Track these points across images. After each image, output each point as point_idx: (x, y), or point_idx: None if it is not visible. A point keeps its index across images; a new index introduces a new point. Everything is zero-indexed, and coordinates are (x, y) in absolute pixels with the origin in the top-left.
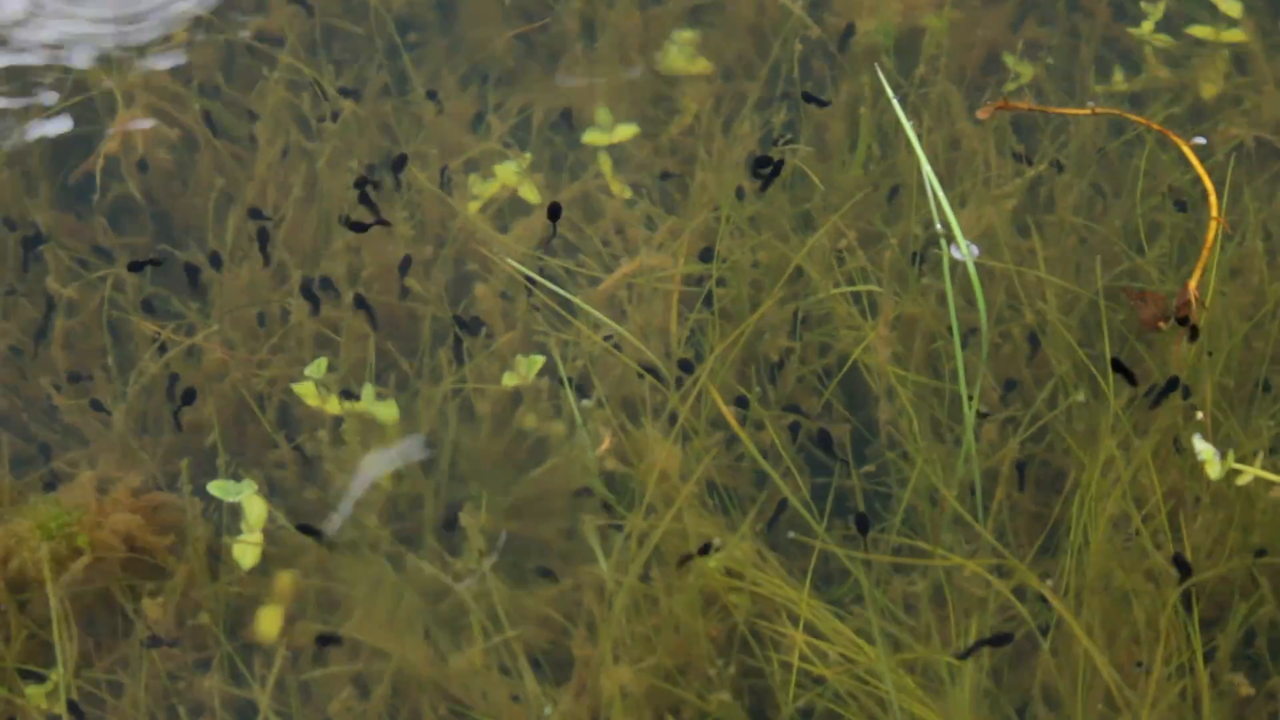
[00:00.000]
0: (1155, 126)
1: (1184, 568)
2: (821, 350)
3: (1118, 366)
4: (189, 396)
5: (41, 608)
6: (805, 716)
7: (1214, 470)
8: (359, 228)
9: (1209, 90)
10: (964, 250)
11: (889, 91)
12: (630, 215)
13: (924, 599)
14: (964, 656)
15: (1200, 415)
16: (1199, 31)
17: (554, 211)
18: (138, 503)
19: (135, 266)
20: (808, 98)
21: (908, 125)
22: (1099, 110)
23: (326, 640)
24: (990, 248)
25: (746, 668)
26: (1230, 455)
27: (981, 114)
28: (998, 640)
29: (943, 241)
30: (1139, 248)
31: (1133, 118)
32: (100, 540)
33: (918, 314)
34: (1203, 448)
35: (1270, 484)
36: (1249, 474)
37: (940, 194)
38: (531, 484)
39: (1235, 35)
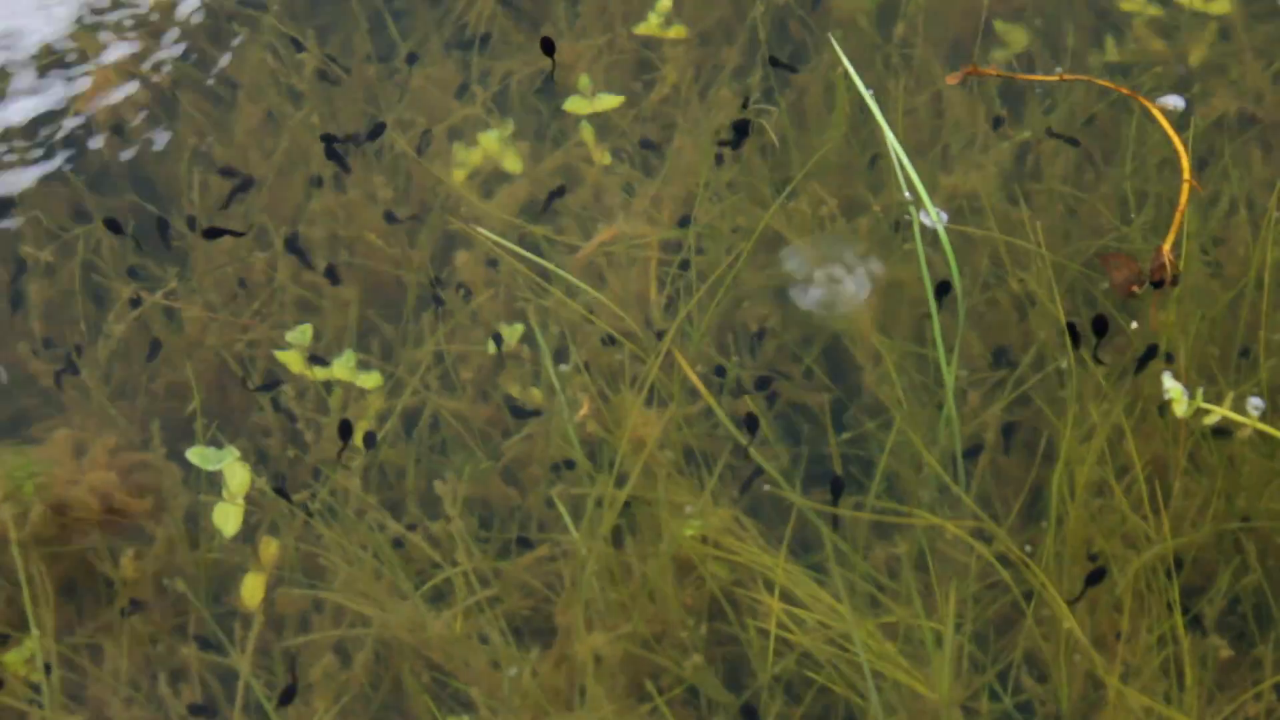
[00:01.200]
0: (1126, 91)
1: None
2: (802, 319)
3: (1095, 322)
4: (154, 350)
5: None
6: (783, 683)
7: (1180, 408)
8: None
9: (1195, 58)
10: (934, 217)
11: (845, 62)
12: (609, 181)
13: (905, 564)
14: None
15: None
16: (1186, 1)
17: (547, 46)
18: (114, 461)
19: (112, 224)
20: (775, 62)
21: (867, 94)
22: (1067, 77)
23: (288, 697)
24: (975, 213)
25: (724, 635)
26: (1199, 394)
27: (950, 79)
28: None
29: (911, 209)
30: (1125, 217)
31: (1103, 83)
32: (77, 499)
33: (902, 279)
34: (1171, 385)
35: (1256, 446)
36: (1216, 414)
37: (905, 161)
38: (512, 450)
39: (1221, 6)
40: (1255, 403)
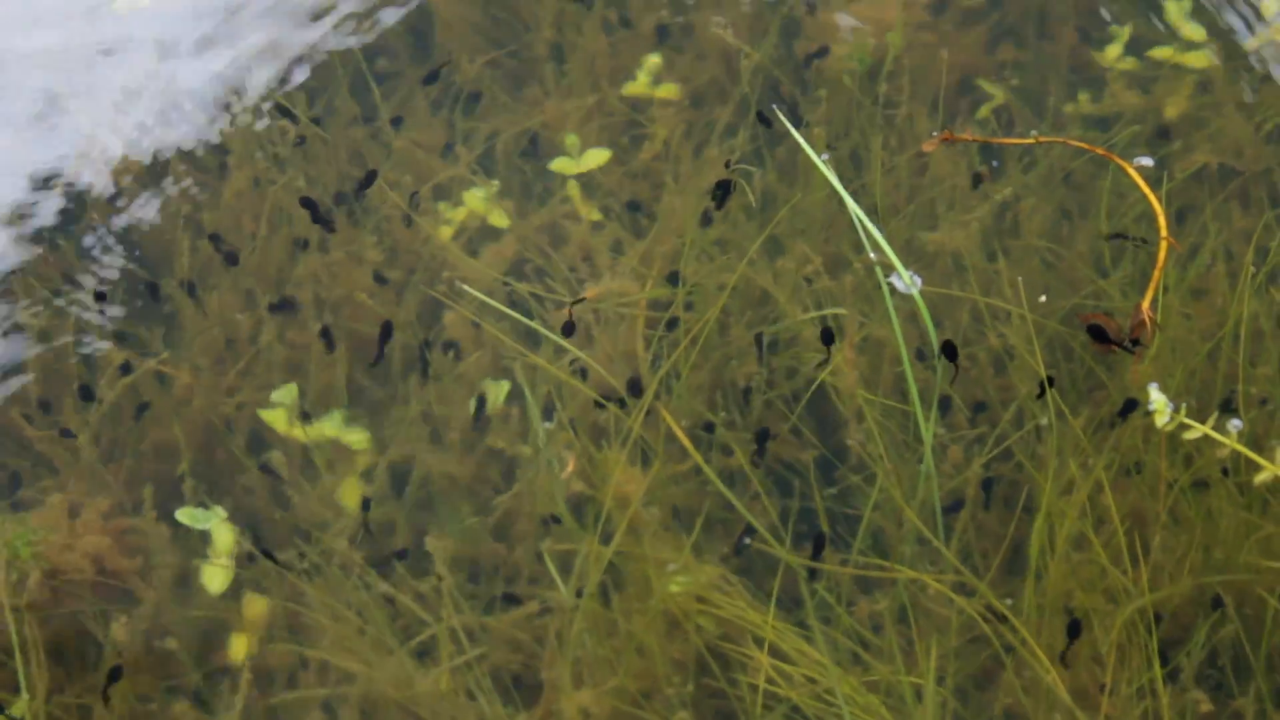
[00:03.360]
0: (1100, 151)
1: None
2: (789, 374)
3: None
4: (140, 412)
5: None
6: None
7: (1161, 419)
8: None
9: (1172, 113)
10: (906, 281)
11: (793, 131)
12: (598, 240)
13: (888, 619)
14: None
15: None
16: (1160, 54)
17: None
18: (107, 525)
19: (100, 296)
20: (762, 118)
21: (819, 160)
22: (1042, 139)
23: None
24: (957, 270)
25: (711, 690)
26: (1184, 409)
27: (927, 147)
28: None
29: (878, 269)
30: (1103, 271)
31: (1076, 144)
32: (70, 563)
33: (884, 337)
34: (1157, 398)
35: (1234, 499)
36: (1198, 430)
37: (871, 226)
38: (499, 508)
39: (1198, 59)
40: (1236, 424)
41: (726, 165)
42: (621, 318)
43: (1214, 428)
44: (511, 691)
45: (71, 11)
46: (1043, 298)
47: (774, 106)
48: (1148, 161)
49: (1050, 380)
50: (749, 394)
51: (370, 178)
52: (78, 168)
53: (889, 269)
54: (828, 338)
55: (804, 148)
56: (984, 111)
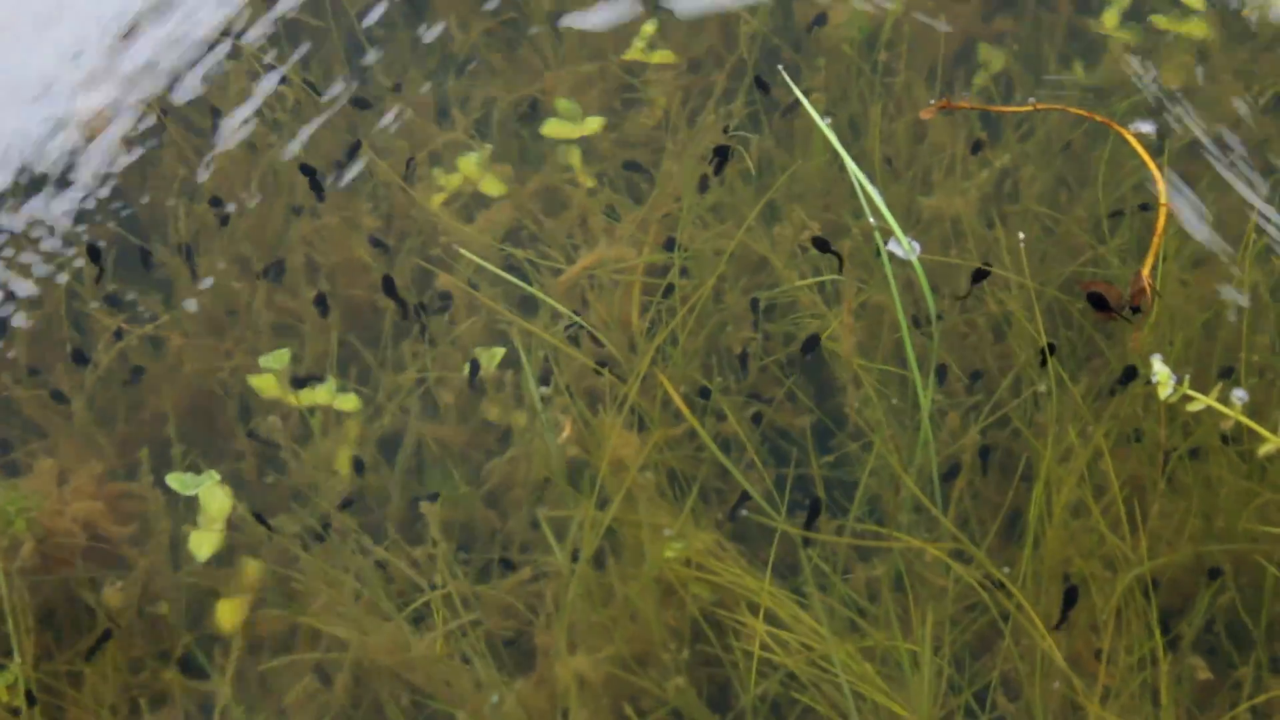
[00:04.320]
0: (1099, 118)
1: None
2: (785, 340)
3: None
4: (136, 376)
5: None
6: (766, 704)
7: (1165, 391)
8: None
9: (1172, 81)
10: (905, 247)
11: (798, 92)
12: (593, 205)
13: (884, 586)
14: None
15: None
16: (1160, 22)
17: None
18: (100, 491)
19: (93, 252)
20: (760, 84)
21: (821, 123)
22: (1040, 106)
23: None
24: (956, 236)
25: (707, 657)
26: (1186, 381)
27: (925, 114)
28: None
29: (877, 235)
30: (1102, 239)
31: (1075, 110)
32: (60, 528)
33: (884, 303)
34: (1160, 369)
35: (1234, 466)
36: (1202, 401)
37: (871, 190)
38: (495, 474)
39: (1197, 28)
40: (1239, 394)
41: (724, 131)
42: (618, 284)
43: (1217, 399)
44: (505, 657)
45: None
46: (1021, 238)
47: (779, 68)
48: (1147, 128)
49: (1051, 347)
50: (745, 360)
51: (355, 148)
52: (70, 131)
53: (888, 234)
54: (821, 245)
55: (807, 109)
56: (981, 79)
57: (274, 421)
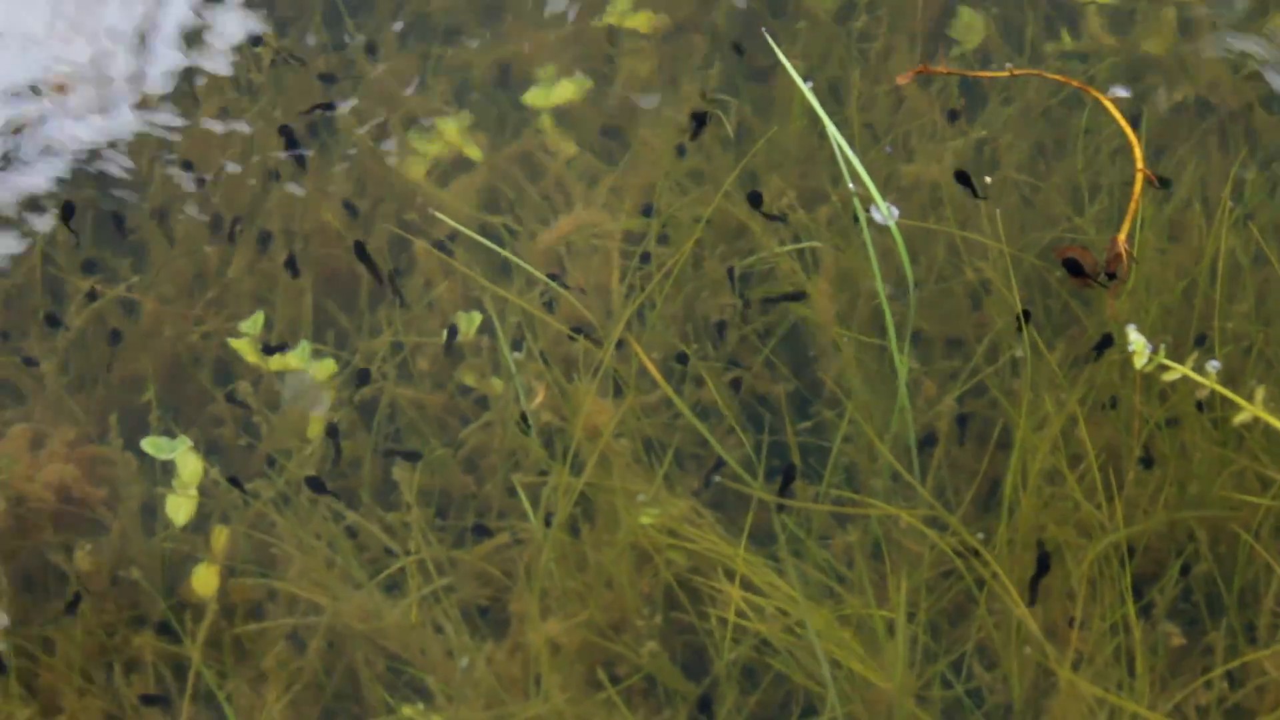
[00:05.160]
0: (1075, 84)
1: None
2: (763, 308)
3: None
4: (113, 341)
5: None
6: (740, 669)
7: (1140, 360)
8: None
9: (1152, 47)
10: (884, 212)
11: (780, 54)
12: (571, 172)
13: (859, 553)
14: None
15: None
16: None
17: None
18: (73, 454)
19: (68, 211)
20: (738, 50)
21: (804, 86)
22: (1018, 72)
23: None
24: (934, 204)
25: (681, 624)
26: (1162, 350)
27: (901, 80)
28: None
29: (857, 202)
30: (1080, 207)
31: (1051, 76)
32: (33, 492)
33: (861, 270)
34: (1135, 339)
35: (1208, 434)
36: (1177, 371)
37: (850, 155)
38: (469, 439)
39: None
40: (1214, 365)
41: (703, 96)
42: (595, 250)
43: (1192, 368)
44: (480, 623)
45: None
46: (988, 180)
47: (763, 30)
48: (1124, 92)
49: (1026, 314)
50: (723, 327)
51: (329, 108)
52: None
53: (867, 201)
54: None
55: (790, 72)
56: (959, 48)
57: (245, 386)
